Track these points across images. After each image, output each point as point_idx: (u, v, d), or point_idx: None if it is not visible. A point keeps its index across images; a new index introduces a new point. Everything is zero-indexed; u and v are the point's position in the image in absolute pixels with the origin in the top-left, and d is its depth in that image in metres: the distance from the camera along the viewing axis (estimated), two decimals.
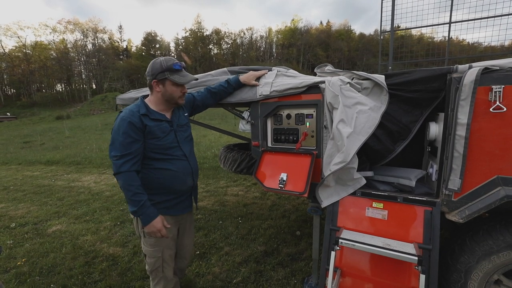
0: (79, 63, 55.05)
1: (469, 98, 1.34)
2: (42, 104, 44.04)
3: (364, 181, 1.73)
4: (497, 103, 1.31)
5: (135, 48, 68.16)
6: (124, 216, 3.84)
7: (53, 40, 55.25)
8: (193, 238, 1.99)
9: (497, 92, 1.30)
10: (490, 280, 1.48)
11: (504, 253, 1.41)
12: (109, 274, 2.50)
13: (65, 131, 16.82)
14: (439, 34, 5.04)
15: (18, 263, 2.75)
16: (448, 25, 4.58)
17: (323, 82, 1.73)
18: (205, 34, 66.67)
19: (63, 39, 55.04)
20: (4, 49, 49.59)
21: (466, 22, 4.48)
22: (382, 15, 4.87)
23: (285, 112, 1.96)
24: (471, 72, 1.34)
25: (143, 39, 66.66)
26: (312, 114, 1.85)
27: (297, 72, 2.10)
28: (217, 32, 67.02)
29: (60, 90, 54.70)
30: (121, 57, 63.20)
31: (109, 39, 62.00)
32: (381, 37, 5.29)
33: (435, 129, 1.69)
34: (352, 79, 1.77)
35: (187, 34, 66.50)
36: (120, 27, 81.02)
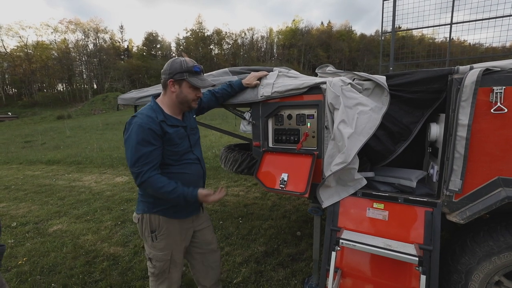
0: (80, 63, 55.21)
1: (470, 99, 1.34)
2: (43, 104, 44.17)
3: (365, 182, 1.74)
4: (498, 104, 1.31)
5: (136, 48, 68.38)
6: (125, 216, 3.85)
7: (55, 40, 55.50)
8: (214, 237, 1.85)
9: (498, 93, 1.30)
10: (491, 281, 1.48)
11: (505, 254, 1.41)
12: (110, 273, 2.51)
13: (66, 131, 16.86)
14: (440, 35, 5.04)
15: (19, 262, 2.76)
16: (449, 26, 4.58)
17: (324, 82, 1.73)
18: (206, 34, 66.79)
19: (65, 39, 55.26)
20: (5, 49, 49.79)
21: (468, 23, 4.48)
22: (384, 16, 4.87)
23: (286, 113, 1.97)
24: (472, 73, 1.34)
25: (144, 39, 66.93)
26: (313, 115, 1.85)
27: (298, 73, 2.10)
28: (218, 32, 67.12)
29: (61, 90, 54.85)
30: (122, 57, 63.34)
31: (110, 39, 62.20)
32: (382, 38, 5.29)
33: (436, 130, 1.69)
34: (353, 79, 1.77)
35: (188, 34, 66.70)
36: (121, 27, 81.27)
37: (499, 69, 1.34)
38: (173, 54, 66.55)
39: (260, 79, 2.01)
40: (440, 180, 1.52)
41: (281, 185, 1.80)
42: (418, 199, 1.58)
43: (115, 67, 54.06)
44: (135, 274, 2.47)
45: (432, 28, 4.87)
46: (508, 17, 4.17)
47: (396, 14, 4.75)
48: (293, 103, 1.89)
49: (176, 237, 1.59)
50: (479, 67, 1.36)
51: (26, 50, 50.55)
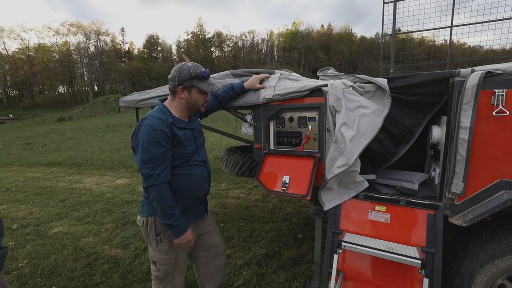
0: (81, 65, 55.36)
1: (472, 101, 1.34)
2: (44, 106, 44.25)
3: (366, 184, 1.73)
4: (500, 106, 1.31)
5: (137, 50, 68.56)
6: (126, 218, 3.85)
7: (56, 42, 55.65)
8: (221, 240, 1.86)
9: (500, 96, 1.30)
10: (494, 284, 1.47)
11: (508, 257, 1.41)
12: (111, 276, 2.50)
13: (67, 133, 16.87)
14: (440, 37, 5.07)
15: (20, 264, 2.76)
16: (449, 28, 4.60)
17: (326, 85, 1.73)
18: (206, 36, 67.02)
19: (66, 41, 55.40)
20: (7, 51, 50.00)
21: (468, 26, 4.50)
22: (384, 19, 4.89)
23: (287, 115, 1.97)
24: (473, 76, 1.34)
25: (145, 42, 67.05)
26: (315, 117, 1.86)
27: (299, 76, 2.11)
28: (218, 34, 67.35)
29: (62, 92, 54.91)
30: (123, 59, 63.51)
31: (112, 41, 62.40)
32: (383, 41, 5.31)
33: (437, 133, 1.70)
34: (355, 82, 1.78)
35: (189, 36, 66.92)
36: (123, 29, 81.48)
37: (501, 72, 1.34)
38: (174, 57, 66.78)
39: (261, 81, 2.02)
40: (442, 183, 1.52)
41: (283, 188, 1.80)
42: (420, 201, 1.57)
43: (116, 69, 54.19)
44: (136, 277, 2.46)
45: (433, 30, 4.89)
46: (508, 20, 4.19)
47: (397, 16, 4.77)
48: (294, 106, 1.90)
49: None
50: (481, 69, 1.37)
51: (27, 53, 50.73)
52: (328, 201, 1.76)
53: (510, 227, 1.46)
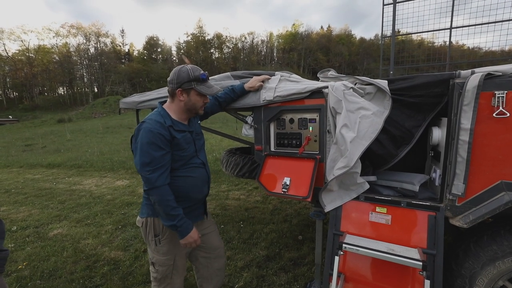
0: (81, 66, 55.42)
1: (472, 103, 1.35)
2: (44, 107, 44.26)
3: (367, 186, 1.73)
4: (500, 108, 1.31)
5: (137, 52, 68.65)
6: (126, 220, 3.84)
7: (56, 44, 55.73)
8: (221, 242, 1.86)
9: (500, 98, 1.31)
10: (495, 286, 1.47)
11: (509, 259, 1.40)
12: (111, 278, 2.49)
13: (67, 134, 16.86)
14: (440, 39, 5.08)
15: (19, 266, 2.75)
16: (449, 30, 4.62)
17: (326, 87, 1.74)
18: (206, 38, 67.17)
19: (66, 43, 55.47)
20: (7, 53, 50.06)
21: (467, 27, 4.52)
22: (384, 20, 4.91)
23: (288, 117, 1.97)
24: (474, 78, 1.35)
25: (145, 43, 67.19)
26: (315, 119, 1.86)
27: (300, 77, 2.11)
28: (218, 36, 67.50)
29: (62, 93, 54.92)
30: (123, 61, 63.57)
31: (111, 43, 62.48)
32: (382, 42, 5.33)
33: (438, 134, 1.70)
34: (355, 84, 1.78)
35: (189, 38, 67.08)
36: (122, 31, 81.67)
37: (501, 73, 1.35)
38: (174, 58, 66.91)
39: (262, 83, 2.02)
40: (443, 184, 1.52)
41: (283, 189, 1.80)
42: (421, 203, 1.57)
43: (116, 70, 54.26)
44: (136, 279, 2.45)
45: (432, 32, 4.91)
46: (507, 22, 4.21)
47: (396, 18, 4.79)
48: (295, 107, 1.90)
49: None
50: (481, 71, 1.37)
51: (27, 54, 50.79)
52: (329, 203, 1.76)
53: (511, 229, 1.46)
